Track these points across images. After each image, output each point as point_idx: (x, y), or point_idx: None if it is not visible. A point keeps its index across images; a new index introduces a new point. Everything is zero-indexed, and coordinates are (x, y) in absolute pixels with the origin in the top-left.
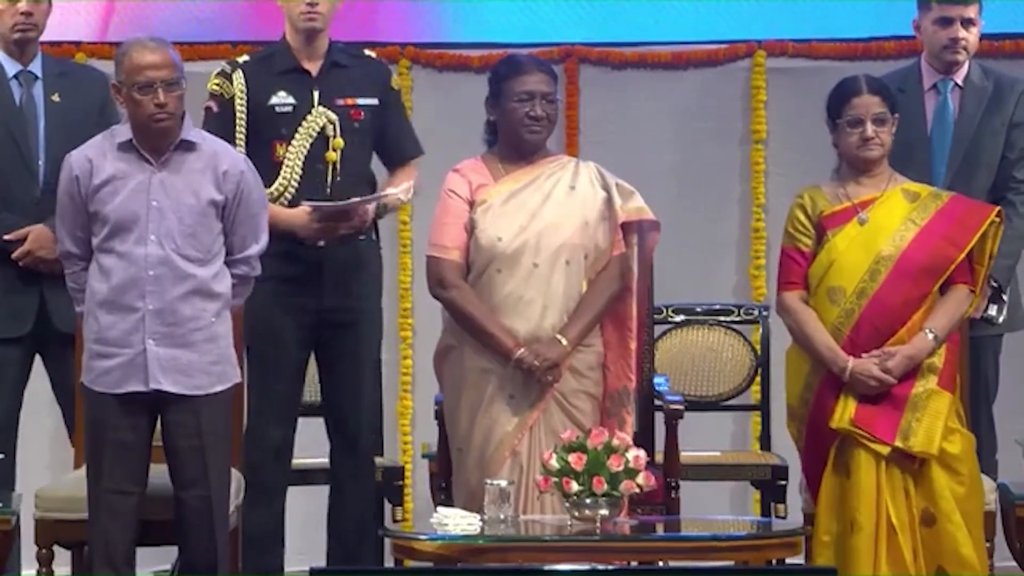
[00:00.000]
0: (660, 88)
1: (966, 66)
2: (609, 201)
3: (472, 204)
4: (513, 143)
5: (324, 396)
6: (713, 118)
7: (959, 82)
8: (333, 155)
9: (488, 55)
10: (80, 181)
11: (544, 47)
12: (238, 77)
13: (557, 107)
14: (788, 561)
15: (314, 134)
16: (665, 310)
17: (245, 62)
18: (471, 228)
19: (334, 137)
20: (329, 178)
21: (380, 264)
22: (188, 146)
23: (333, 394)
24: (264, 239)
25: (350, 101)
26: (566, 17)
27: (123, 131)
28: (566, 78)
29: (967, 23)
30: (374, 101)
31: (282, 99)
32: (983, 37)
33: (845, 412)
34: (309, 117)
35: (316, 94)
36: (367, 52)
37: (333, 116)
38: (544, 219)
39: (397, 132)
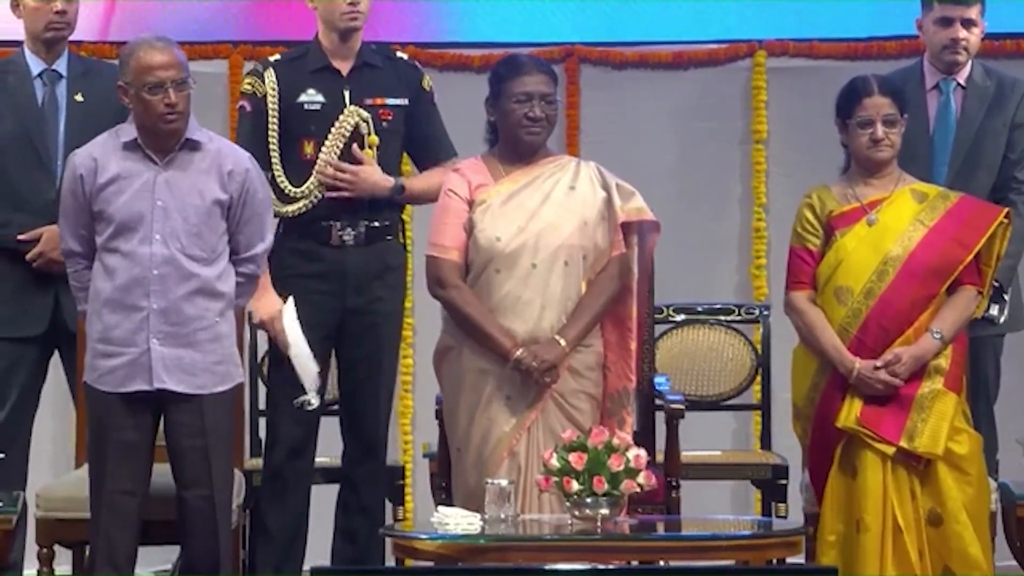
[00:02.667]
0: (661, 88)
1: (968, 66)
2: (609, 201)
3: (471, 204)
4: (512, 144)
5: (342, 397)
6: (714, 118)
7: (961, 82)
8: (369, 152)
9: (488, 55)
10: (84, 180)
11: (544, 47)
12: (269, 75)
13: (557, 108)
14: (789, 561)
15: (347, 133)
16: (666, 310)
17: (276, 61)
18: (470, 228)
19: (368, 135)
20: None
21: (405, 267)
22: (193, 145)
23: (351, 396)
24: (270, 238)
25: (379, 101)
26: (566, 17)
27: (128, 130)
28: (566, 78)
29: (968, 23)
30: (404, 101)
31: (311, 97)
32: (984, 37)
33: (851, 412)
34: (341, 116)
35: (347, 93)
36: (399, 53)
37: (366, 114)
38: (543, 219)
39: (430, 132)
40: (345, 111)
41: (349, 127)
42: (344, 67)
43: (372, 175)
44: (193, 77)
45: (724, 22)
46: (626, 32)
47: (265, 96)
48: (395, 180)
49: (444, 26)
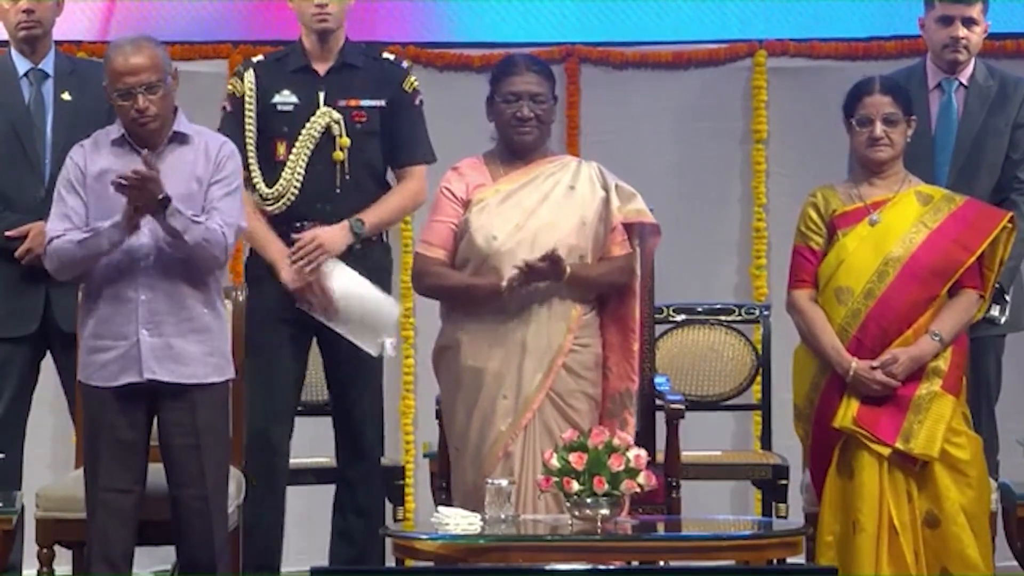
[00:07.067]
0: (661, 88)
1: (971, 65)
2: (607, 202)
3: (467, 204)
4: (506, 143)
5: (332, 396)
6: (714, 118)
7: (964, 81)
8: (340, 154)
9: (488, 55)
10: (79, 173)
11: (544, 47)
12: (249, 76)
13: (551, 107)
14: (789, 561)
15: (317, 134)
16: (666, 310)
17: (258, 61)
18: (465, 228)
19: (340, 136)
20: (337, 178)
21: (390, 266)
22: (181, 139)
23: (341, 397)
24: (242, 223)
25: (353, 102)
26: (566, 17)
27: (117, 127)
28: (567, 78)
29: (968, 22)
30: (380, 103)
31: (285, 98)
32: (987, 37)
33: (848, 412)
34: (313, 117)
35: (321, 94)
36: (385, 54)
37: (337, 115)
38: (541, 218)
39: (405, 134)
40: (317, 112)
41: (320, 128)
42: (323, 68)
43: (325, 230)
44: (173, 74)
45: (724, 22)
46: (626, 32)
47: (243, 97)
48: (350, 220)
49: (444, 26)
